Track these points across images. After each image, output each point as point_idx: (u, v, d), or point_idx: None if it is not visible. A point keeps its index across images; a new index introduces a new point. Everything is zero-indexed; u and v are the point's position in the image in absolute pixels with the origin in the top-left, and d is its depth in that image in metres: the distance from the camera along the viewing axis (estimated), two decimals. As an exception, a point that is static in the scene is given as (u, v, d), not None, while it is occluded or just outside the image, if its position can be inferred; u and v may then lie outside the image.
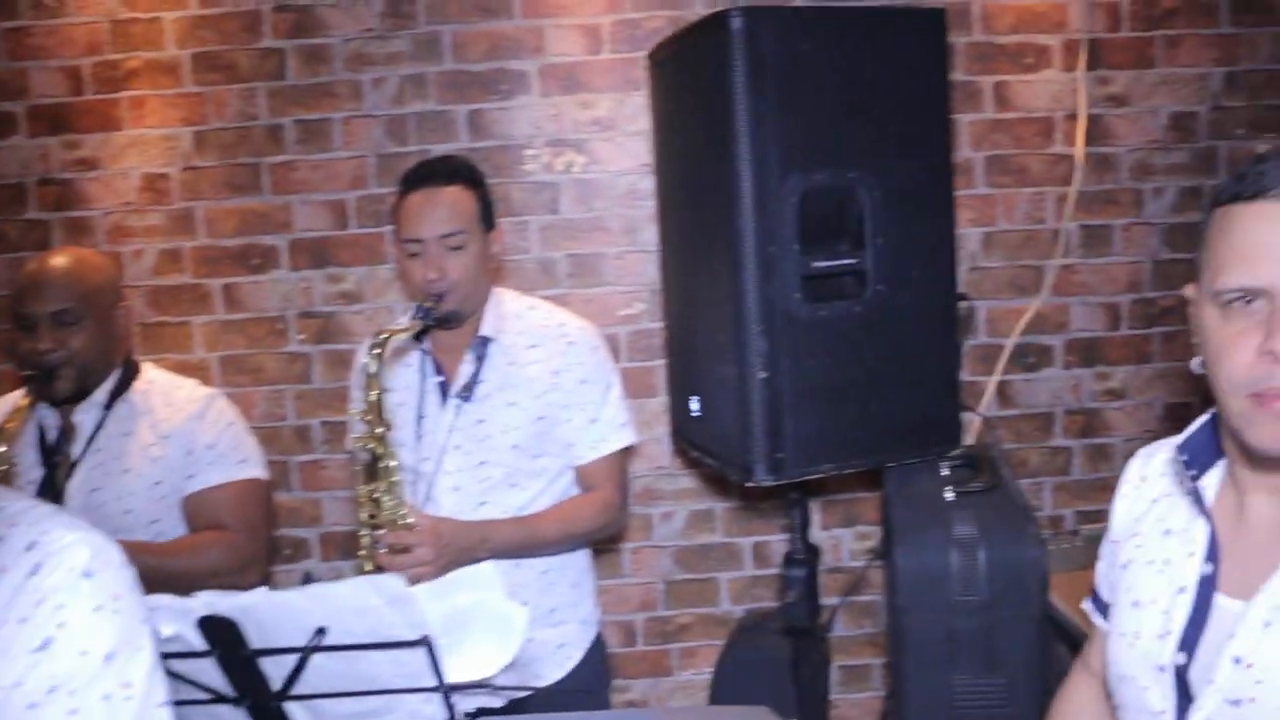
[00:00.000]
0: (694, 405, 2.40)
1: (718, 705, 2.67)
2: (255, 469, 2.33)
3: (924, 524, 2.05)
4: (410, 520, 2.02)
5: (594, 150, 2.83)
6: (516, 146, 2.83)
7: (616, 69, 2.80)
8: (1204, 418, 1.30)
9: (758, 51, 2.02)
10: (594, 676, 2.35)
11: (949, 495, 2.13)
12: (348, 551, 2.80)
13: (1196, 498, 1.27)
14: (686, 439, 2.53)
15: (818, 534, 2.87)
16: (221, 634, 1.40)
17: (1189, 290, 1.23)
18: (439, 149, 2.81)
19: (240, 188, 2.89)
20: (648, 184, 2.78)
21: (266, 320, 2.93)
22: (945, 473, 2.25)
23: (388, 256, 2.87)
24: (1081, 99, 2.81)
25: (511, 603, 1.56)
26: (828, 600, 2.81)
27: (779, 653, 2.45)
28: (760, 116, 2.03)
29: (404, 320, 2.21)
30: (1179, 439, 1.32)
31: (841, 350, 2.14)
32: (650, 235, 2.79)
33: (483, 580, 1.57)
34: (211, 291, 2.93)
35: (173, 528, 2.24)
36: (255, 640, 1.40)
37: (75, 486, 2.18)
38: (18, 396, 2.19)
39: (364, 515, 2.05)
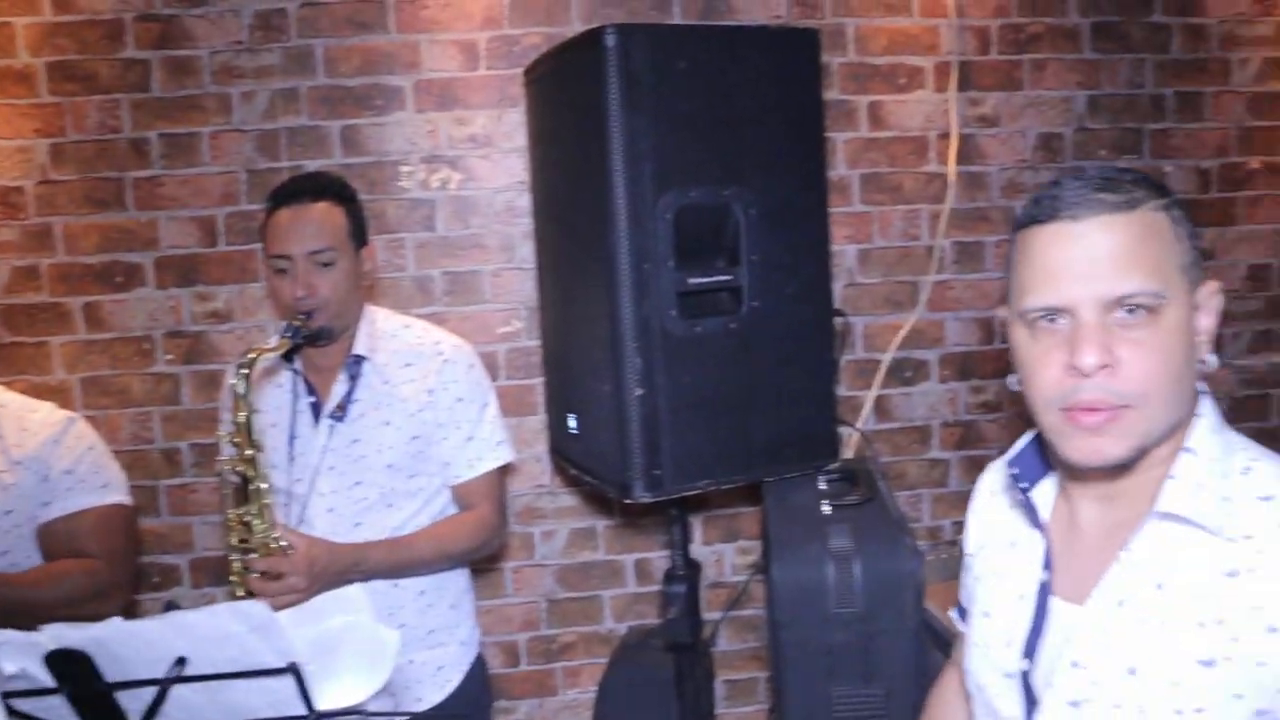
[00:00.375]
0: (571, 423, 2.40)
1: (603, 718, 2.65)
2: (118, 494, 2.23)
3: (801, 538, 2.07)
4: (283, 544, 1.98)
5: (470, 167, 2.80)
6: (391, 163, 2.80)
7: (493, 85, 2.79)
8: (1032, 432, 1.34)
9: (632, 69, 2.04)
10: (474, 699, 2.33)
11: (826, 509, 2.16)
12: (220, 577, 2.73)
13: (1029, 509, 1.31)
14: (565, 457, 2.52)
15: (699, 549, 2.90)
16: (72, 668, 1.35)
17: (1001, 311, 1.28)
18: (312, 164, 2.76)
19: (102, 203, 2.79)
20: (525, 201, 2.77)
21: (132, 340, 2.83)
22: (823, 487, 2.28)
23: (259, 274, 2.81)
24: (953, 119, 2.90)
25: (382, 626, 1.53)
26: (711, 615, 2.84)
27: (663, 670, 2.45)
28: (635, 133, 2.05)
29: (273, 339, 2.16)
30: (1010, 453, 1.36)
31: (718, 366, 2.16)
32: (527, 252, 2.79)
33: (350, 603, 1.52)
34: (72, 310, 2.82)
35: (25, 559, 2.13)
36: (110, 674, 1.36)
37: None
38: None
39: (234, 539, 2.01)
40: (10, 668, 1.35)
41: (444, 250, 2.82)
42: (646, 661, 2.59)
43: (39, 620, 2.08)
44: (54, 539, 2.15)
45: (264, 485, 2.00)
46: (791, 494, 2.25)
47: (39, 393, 2.74)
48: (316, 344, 2.16)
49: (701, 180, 2.12)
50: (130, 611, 2.37)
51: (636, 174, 2.06)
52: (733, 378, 2.18)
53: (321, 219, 2.13)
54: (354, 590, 1.55)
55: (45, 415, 2.21)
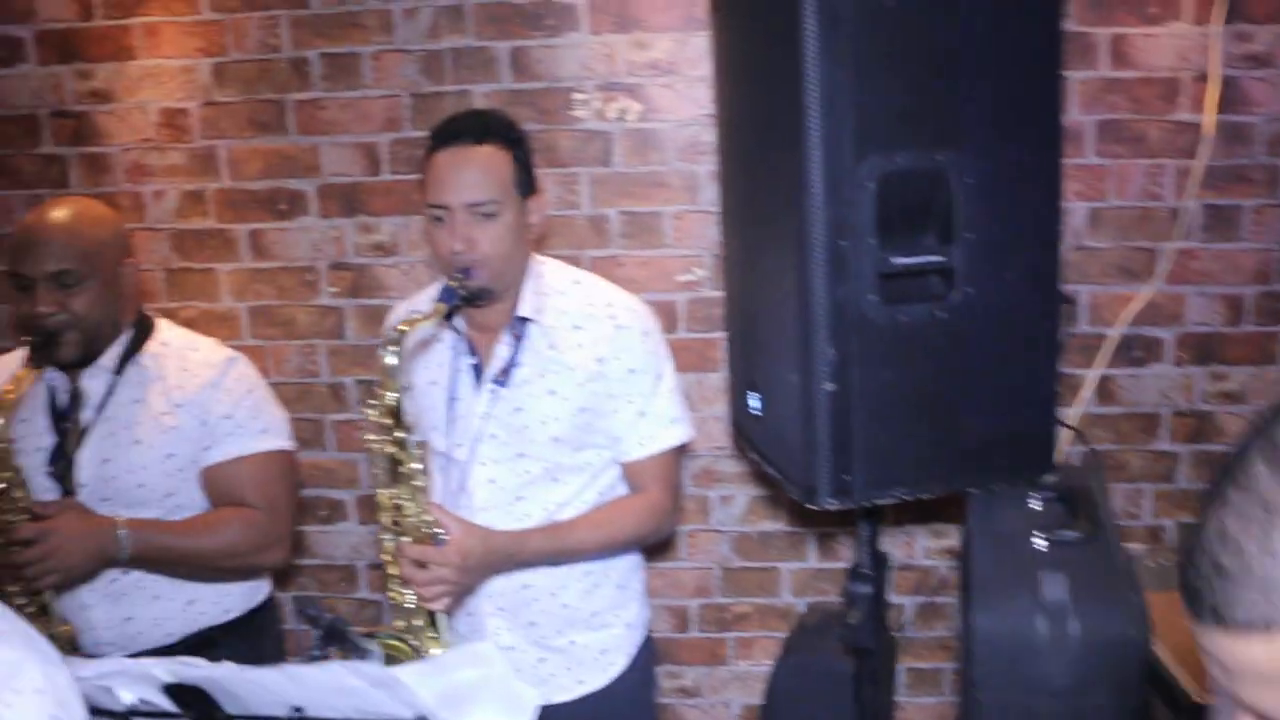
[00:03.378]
0: (754, 403, 2.28)
1: (773, 706, 2.64)
2: (278, 439, 2.29)
3: (1009, 582, 1.92)
4: (437, 531, 1.97)
5: (651, 96, 2.63)
6: (564, 89, 2.65)
7: (676, 5, 2.58)
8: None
9: (832, 6, 1.81)
10: (640, 683, 2.32)
11: (1039, 544, 2.00)
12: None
13: None
14: (745, 436, 2.42)
15: (890, 529, 2.79)
16: (192, 700, 1.39)
17: None
18: (479, 89, 2.66)
19: (264, 126, 2.78)
20: (711, 136, 2.58)
21: (296, 270, 2.86)
22: (1036, 507, 2.11)
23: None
24: (1214, 58, 2.52)
25: (519, 683, 1.52)
26: (898, 599, 2.76)
27: (840, 662, 2.40)
28: (834, 85, 1.82)
29: (424, 303, 2.13)
30: None
31: (922, 360, 1.98)
32: (714, 193, 2.61)
33: (483, 658, 1.52)
34: (238, 237, 2.86)
35: (190, 501, 2.23)
36: (229, 709, 1.39)
37: (86, 457, 2.17)
38: (17, 361, 2.16)
39: (385, 519, 1.99)
40: (129, 698, 1.39)
41: (621, 188, 2.69)
42: (825, 649, 2.54)
43: (199, 570, 2.22)
44: (215, 484, 2.23)
45: (415, 466, 1.96)
46: (999, 515, 2.09)
47: (208, 320, 2.85)
48: (475, 305, 2.09)
49: (910, 142, 1.88)
50: (297, 544, 2.46)
51: (835, 134, 1.84)
52: (939, 374, 1.99)
53: (484, 166, 2.01)
54: (486, 647, 1.53)
55: (206, 355, 2.26)
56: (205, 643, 2.29)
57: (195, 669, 1.37)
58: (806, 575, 2.84)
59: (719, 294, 2.66)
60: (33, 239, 2.09)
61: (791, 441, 2.05)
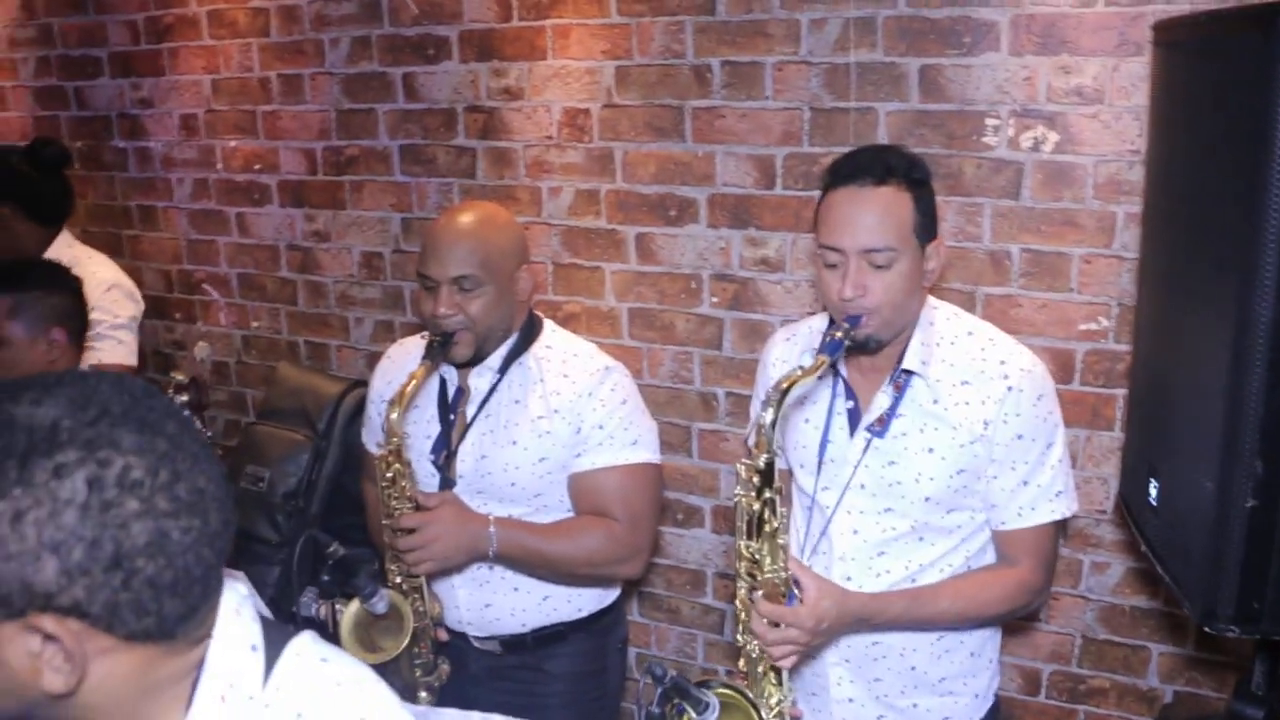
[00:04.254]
0: (1152, 491, 2.08)
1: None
2: (646, 452, 2.35)
3: None
4: (795, 592, 1.94)
5: (1071, 126, 2.41)
6: (977, 113, 2.49)
7: (1111, 26, 2.33)
8: None
9: None
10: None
11: None
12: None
13: None
14: (1134, 519, 2.22)
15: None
16: None
17: None
18: (884, 107, 2.56)
19: (661, 131, 2.82)
20: (1136, 175, 2.36)
21: (680, 277, 2.90)
22: None
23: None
24: None
25: None
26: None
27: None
28: (1306, 165, 1.61)
29: (804, 335, 2.14)
30: None
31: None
32: (1130, 238, 2.39)
33: None
34: (626, 239, 2.94)
35: (556, 503, 2.36)
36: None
37: (466, 450, 2.34)
38: (416, 352, 2.36)
39: (741, 568, 1.99)
40: None
41: (1028, 223, 2.51)
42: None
43: (556, 574, 2.32)
44: (581, 490, 2.34)
45: (778, 525, 1.93)
46: None
47: (590, 317, 2.96)
48: (862, 354, 2.04)
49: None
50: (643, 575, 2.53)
51: None
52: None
53: (884, 211, 1.93)
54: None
55: (585, 363, 2.35)
56: (555, 636, 2.43)
57: None
58: (1179, 662, 2.58)
59: (1124, 348, 2.45)
60: (440, 243, 2.24)
61: (1194, 550, 1.85)
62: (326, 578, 2.08)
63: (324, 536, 2.14)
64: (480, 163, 3.06)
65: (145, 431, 0.97)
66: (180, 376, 2.11)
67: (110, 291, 3.21)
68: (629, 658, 2.95)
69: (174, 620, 1.00)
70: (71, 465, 0.92)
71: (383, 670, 2.24)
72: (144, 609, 0.96)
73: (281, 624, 1.18)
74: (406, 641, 2.26)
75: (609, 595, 2.51)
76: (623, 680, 2.66)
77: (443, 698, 2.40)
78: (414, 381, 2.22)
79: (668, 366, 2.97)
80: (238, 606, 1.09)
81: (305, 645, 1.13)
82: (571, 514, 2.37)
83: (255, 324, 3.70)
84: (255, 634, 1.10)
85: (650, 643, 3.20)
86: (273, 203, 3.53)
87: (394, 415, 2.21)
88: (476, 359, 2.32)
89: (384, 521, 2.28)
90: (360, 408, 2.96)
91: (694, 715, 1.80)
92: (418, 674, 2.35)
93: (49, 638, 0.95)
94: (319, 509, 3.11)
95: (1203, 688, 2.57)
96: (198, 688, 1.05)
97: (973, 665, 2.16)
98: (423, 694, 2.36)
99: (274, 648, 1.10)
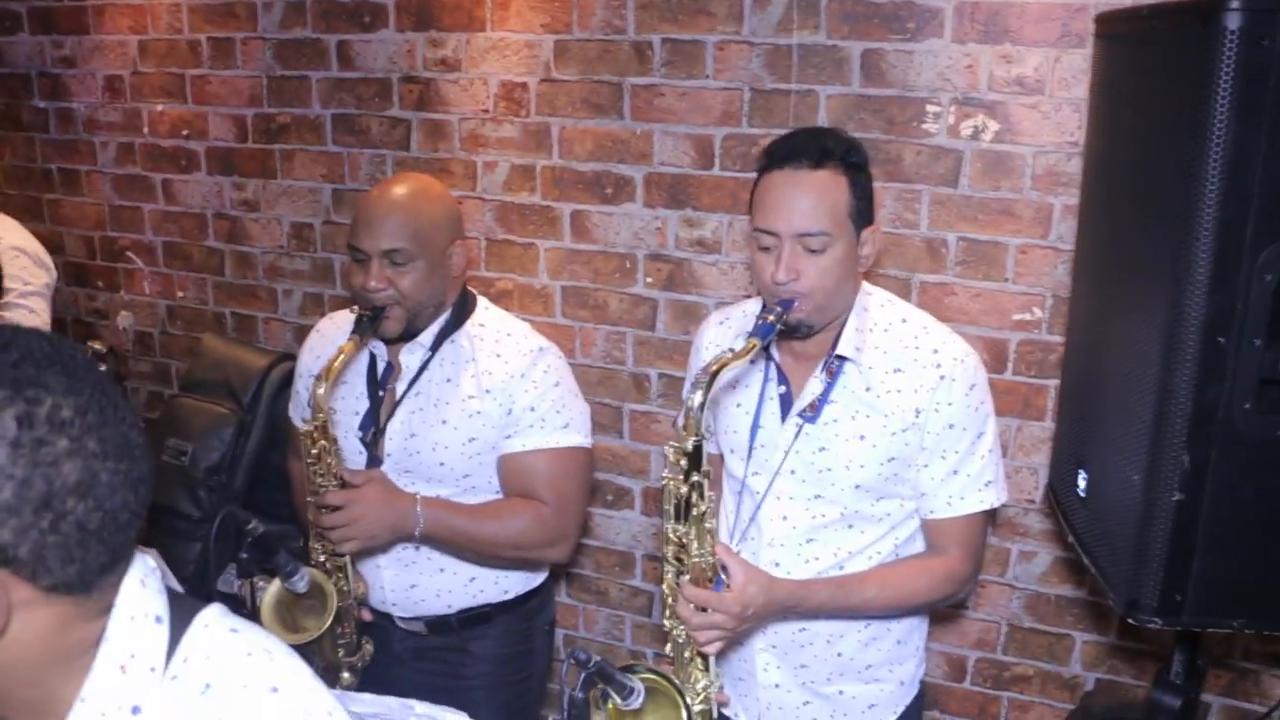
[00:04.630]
0: (1080, 483, 2.09)
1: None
2: (577, 435, 2.32)
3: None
4: (721, 578, 1.92)
5: (1011, 115, 2.41)
6: (917, 100, 2.47)
7: (1054, 17, 2.32)
8: None
9: (1256, 65, 1.57)
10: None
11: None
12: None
13: None
14: (1062, 510, 2.22)
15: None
16: None
17: None
18: (824, 91, 2.53)
19: (599, 108, 2.77)
20: (1074, 167, 2.36)
21: (615, 256, 2.86)
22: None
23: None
24: None
25: None
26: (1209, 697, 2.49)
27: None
28: (1243, 161, 1.59)
29: (738, 319, 2.12)
30: None
31: (1293, 481, 1.74)
32: (1067, 230, 2.39)
33: None
34: (561, 216, 2.89)
35: (484, 484, 2.32)
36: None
37: (394, 428, 2.29)
38: (345, 326, 2.30)
39: (669, 552, 1.95)
40: None
41: (965, 211, 2.49)
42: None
43: (482, 556, 2.28)
44: (510, 472, 2.31)
45: (705, 509, 1.90)
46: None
47: (523, 294, 2.91)
48: (793, 338, 2.01)
49: (1326, 234, 1.64)
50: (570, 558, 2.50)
51: (1233, 214, 1.62)
52: (1309, 499, 1.75)
53: (819, 194, 1.89)
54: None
55: (518, 343, 2.30)
56: (481, 617, 2.40)
57: None
58: (1102, 650, 2.60)
59: (1057, 339, 2.45)
60: (371, 214, 2.17)
61: (1119, 542, 1.86)
62: (245, 555, 2.02)
63: (243, 513, 2.07)
64: (415, 135, 2.99)
65: (71, 376, 0.96)
66: (98, 345, 2.03)
67: (18, 258, 3.09)
68: (557, 639, 2.92)
69: (95, 570, 0.99)
70: (1, 403, 0.91)
71: (305, 650, 2.21)
72: (69, 555, 0.95)
73: (191, 598, 1.14)
74: (329, 621, 2.20)
75: (536, 577, 2.47)
76: (549, 662, 2.63)
77: (366, 678, 2.36)
78: (341, 356, 2.15)
79: (600, 346, 2.92)
80: (143, 578, 1.07)
81: (214, 617, 1.11)
82: (500, 496, 2.33)
83: (181, 294, 3.59)
84: (160, 606, 1.07)
85: (578, 624, 3.17)
86: (200, 170, 3.42)
87: (320, 390, 2.15)
88: (407, 335, 2.26)
89: (308, 499, 2.22)
90: (287, 381, 2.89)
91: (619, 700, 1.78)
92: (340, 654, 2.30)
93: None
94: (242, 484, 3.03)
95: (1123, 675, 2.60)
96: (96, 657, 1.02)
97: (899, 653, 2.16)
98: (345, 675, 2.31)
99: (181, 621, 1.08)
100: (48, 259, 3.22)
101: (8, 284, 2.95)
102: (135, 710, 1.03)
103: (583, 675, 1.69)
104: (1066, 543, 2.58)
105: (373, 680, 2.37)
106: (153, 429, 3.16)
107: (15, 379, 0.92)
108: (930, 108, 2.47)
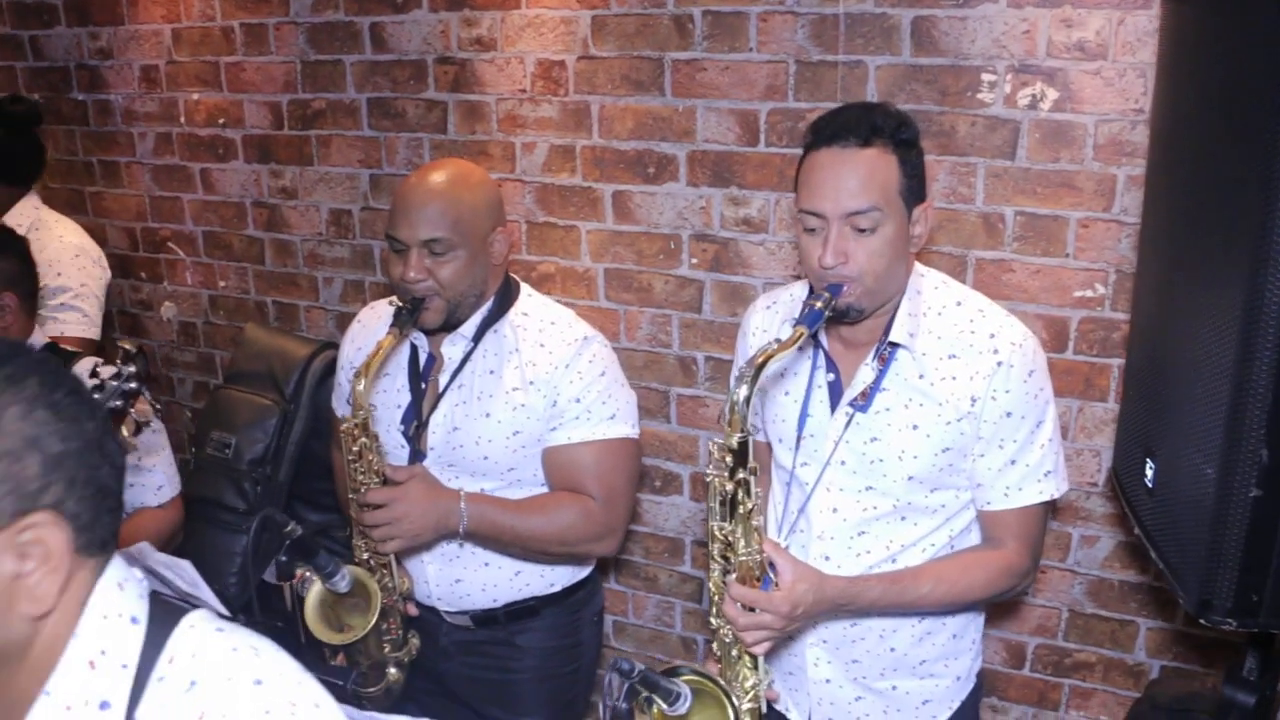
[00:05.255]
0: (1148, 472, 1.98)
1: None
2: (624, 426, 2.26)
3: None
4: (770, 575, 1.84)
5: (1072, 82, 2.28)
6: (972, 68, 2.35)
7: (1118, -24, 2.19)
8: None
9: None
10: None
11: None
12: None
13: None
14: (1127, 499, 2.11)
15: None
16: None
17: None
18: (873, 62, 2.42)
19: (639, 84, 2.68)
20: (1139, 136, 2.23)
21: (659, 237, 2.77)
22: None
23: (800, 184, 2.58)
24: None
25: None
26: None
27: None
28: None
29: (785, 302, 2.04)
30: None
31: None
32: (1132, 203, 2.27)
33: None
34: (603, 197, 2.81)
35: (530, 477, 2.26)
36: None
37: (437, 421, 2.23)
38: (385, 317, 2.24)
39: (715, 550, 1.87)
40: None
41: (1023, 184, 2.38)
42: (1178, 723, 2.22)
43: (528, 552, 2.22)
44: (555, 465, 2.24)
45: (752, 505, 1.82)
46: None
47: (565, 277, 2.84)
48: (842, 324, 1.92)
49: None
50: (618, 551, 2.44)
51: None
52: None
53: (868, 172, 1.79)
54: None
55: (562, 331, 2.23)
56: (527, 611, 2.34)
57: None
58: (1167, 637, 2.50)
59: (1121, 316, 2.34)
60: (409, 203, 2.11)
61: (1190, 538, 1.75)
62: (284, 558, 1.98)
63: (281, 516, 2.03)
64: (451, 117, 2.92)
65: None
66: (127, 345, 1.98)
67: (79, 258, 3.09)
68: (606, 627, 2.86)
69: (109, 532, 1.08)
70: (20, 373, 1.01)
71: (352, 649, 2.19)
72: (97, 511, 1.05)
73: (178, 603, 1.18)
74: (374, 619, 2.16)
75: (583, 570, 2.42)
76: (598, 652, 2.58)
77: (413, 671, 2.33)
78: (380, 351, 2.10)
79: (645, 329, 2.84)
80: (121, 581, 1.11)
81: (199, 619, 1.14)
82: (545, 489, 2.27)
83: (222, 284, 3.57)
84: (138, 609, 1.11)
85: (628, 611, 3.11)
86: (238, 158, 3.38)
87: (360, 386, 2.09)
88: (448, 326, 2.20)
89: (350, 496, 2.18)
90: (329, 370, 2.85)
91: (664, 707, 1.72)
92: (386, 650, 2.26)
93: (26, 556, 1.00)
94: (287, 476, 3.00)
95: (1190, 663, 2.49)
96: (65, 651, 1.06)
97: (954, 648, 2.07)
98: (392, 670, 2.27)
99: (165, 624, 1.11)
100: (104, 259, 3.23)
101: (65, 282, 2.95)
102: (104, 705, 1.05)
103: (625, 686, 1.64)
104: (1129, 528, 2.48)
105: (420, 673, 2.34)
106: (198, 421, 3.15)
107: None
108: (985, 76, 2.35)
